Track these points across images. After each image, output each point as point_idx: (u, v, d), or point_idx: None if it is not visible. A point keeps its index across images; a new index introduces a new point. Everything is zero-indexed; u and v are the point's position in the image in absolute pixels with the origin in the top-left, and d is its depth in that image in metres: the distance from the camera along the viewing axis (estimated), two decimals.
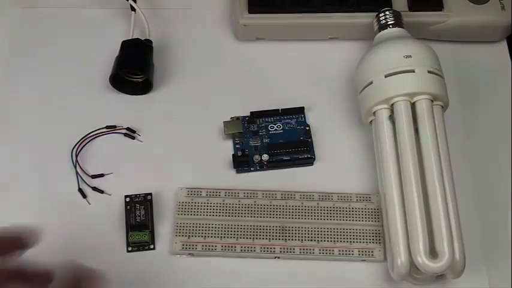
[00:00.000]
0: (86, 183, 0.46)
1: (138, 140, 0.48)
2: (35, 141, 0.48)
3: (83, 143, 0.47)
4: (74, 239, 0.44)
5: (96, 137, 0.48)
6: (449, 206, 0.41)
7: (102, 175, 0.46)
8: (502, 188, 0.46)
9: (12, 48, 0.52)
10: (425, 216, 0.40)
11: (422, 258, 0.39)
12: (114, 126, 0.48)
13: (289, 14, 0.50)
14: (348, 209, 0.44)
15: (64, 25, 0.53)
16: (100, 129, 0.48)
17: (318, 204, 0.44)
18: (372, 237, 0.43)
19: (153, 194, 0.45)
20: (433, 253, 0.39)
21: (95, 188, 0.46)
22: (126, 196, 0.45)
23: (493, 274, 0.43)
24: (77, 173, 0.46)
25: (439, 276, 0.42)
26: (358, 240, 0.43)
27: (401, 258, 0.40)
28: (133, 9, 0.51)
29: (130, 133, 0.48)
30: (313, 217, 0.44)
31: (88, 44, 0.52)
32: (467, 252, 0.40)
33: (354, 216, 0.44)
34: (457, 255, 0.40)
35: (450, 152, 0.43)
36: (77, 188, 0.46)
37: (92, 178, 0.46)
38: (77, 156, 0.47)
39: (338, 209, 0.44)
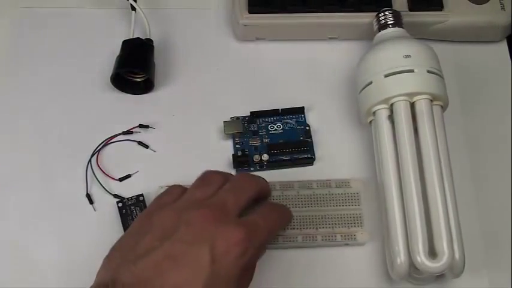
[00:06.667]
0: (105, 189, 0.46)
1: (151, 149, 0.48)
2: (34, 141, 0.48)
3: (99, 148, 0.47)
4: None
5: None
6: (449, 205, 0.41)
7: (129, 176, 0.46)
8: (502, 187, 0.46)
9: (12, 48, 0.52)
10: (424, 216, 0.40)
11: (421, 258, 0.39)
12: (131, 132, 0.48)
13: (289, 14, 0.50)
14: (327, 195, 0.44)
15: (64, 25, 0.53)
16: (117, 135, 0.48)
17: (298, 192, 0.44)
18: (353, 221, 0.44)
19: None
20: (432, 253, 0.39)
21: (116, 195, 0.46)
22: (117, 202, 0.45)
23: (493, 274, 0.43)
24: (86, 177, 0.46)
25: (439, 276, 0.42)
26: (341, 225, 0.44)
27: (401, 258, 0.40)
28: (133, 8, 0.51)
29: (143, 145, 0.48)
30: (294, 205, 0.44)
31: (88, 43, 0.52)
32: (467, 252, 0.40)
33: (335, 202, 0.44)
34: (457, 255, 0.40)
35: (450, 152, 0.43)
36: (85, 193, 0.46)
37: (120, 181, 0.46)
38: (90, 161, 0.47)
39: (318, 196, 0.44)
